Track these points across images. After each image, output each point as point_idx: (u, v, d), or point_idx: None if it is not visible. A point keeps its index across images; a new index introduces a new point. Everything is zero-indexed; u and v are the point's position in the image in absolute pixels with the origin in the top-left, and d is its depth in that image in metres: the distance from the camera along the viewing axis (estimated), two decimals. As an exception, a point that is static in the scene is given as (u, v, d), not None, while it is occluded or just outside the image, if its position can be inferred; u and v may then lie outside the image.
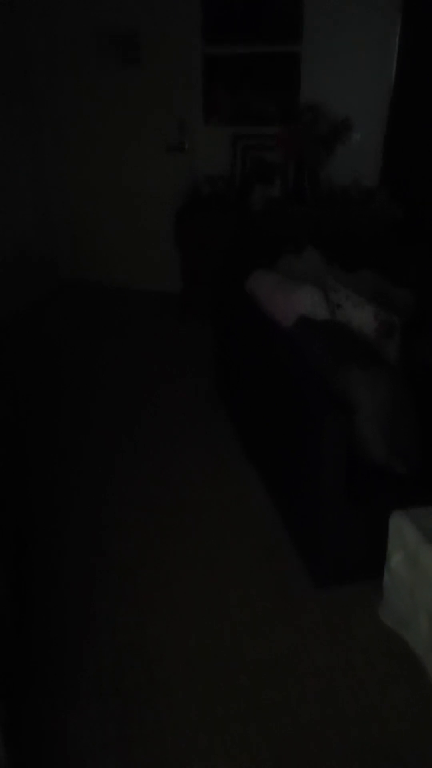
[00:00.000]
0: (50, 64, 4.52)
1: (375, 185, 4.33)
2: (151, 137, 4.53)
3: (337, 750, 1.66)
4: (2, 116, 4.20)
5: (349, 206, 4.11)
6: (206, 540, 2.41)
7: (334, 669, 1.88)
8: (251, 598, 2.14)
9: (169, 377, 3.66)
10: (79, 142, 4.71)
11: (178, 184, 4.57)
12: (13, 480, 2.52)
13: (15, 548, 2.19)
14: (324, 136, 4.06)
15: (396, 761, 1.63)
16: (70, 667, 1.90)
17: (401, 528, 1.85)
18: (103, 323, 4.45)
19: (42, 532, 2.47)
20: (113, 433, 3.12)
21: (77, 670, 1.89)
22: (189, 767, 1.62)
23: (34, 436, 3.11)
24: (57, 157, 4.78)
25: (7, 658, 1.74)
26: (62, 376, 3.72)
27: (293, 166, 4.19)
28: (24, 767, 1.63)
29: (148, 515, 2.54)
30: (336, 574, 2.13)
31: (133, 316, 4.56)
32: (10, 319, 4.35)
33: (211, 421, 3.18)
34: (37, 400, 3.45)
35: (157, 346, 4.06)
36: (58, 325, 4.46)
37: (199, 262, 4.18)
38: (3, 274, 4.26)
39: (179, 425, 3.17)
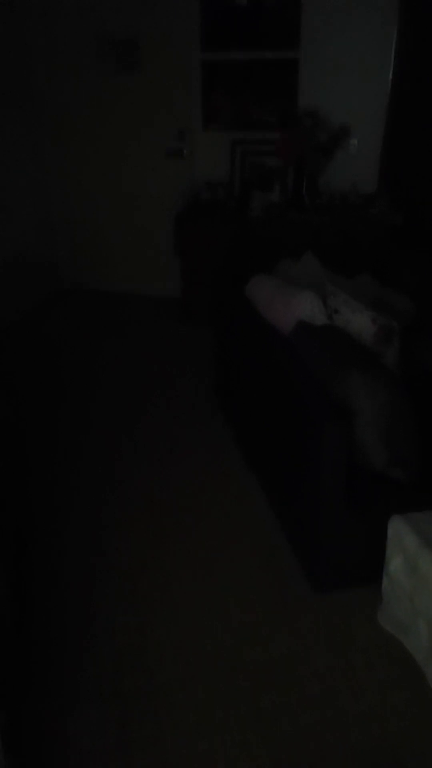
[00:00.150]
0: (50, 70, 4.54)
1: (374, 191, 4.36)
2: (150, 142, 4.55)
3: (336, 753, 1.67)
4: (3, 121, 4.21)
5: (348, 212, 4.13)
6: (206, 542, 2.41)
7: (334, 672, 1.89)
8: (251, 601, 2.15)
9: (169, 381, 3.67)
10: (79, 146, 4.73)
11: (177, 189, 4.60)
12: (13, 480, 2.52)
13: (15, 548, 2.19)
14: (323, 142, 4.09)
15: (395, 764, 1.64)
16: (70, 669, 1.91)
17: (400, 533, 1.86)
18: (103, 327, 4.46)
19: (42, 532, 2.48)
20: (113, 434, 3.13)
21: (77, 671, 1.90)
22: (189, 769, 1.63)
23: (34, 436, 3.12)
24: (57, 161, 4.80)
25: (7, 658, 1.74)
26: (63, 378, 3.73)
27: (292, 171, 4.21)
28: (24, 769, 1.64)
29: (148, 517, 2.55)
30: (335, 579, 2.14)
31: (133, 320, 4.57)
32: (10, 322, 4.36)
33: (211, 425, 3.20)
34: (38, 401, 3.46)
35: (157, 350, 4.08)
36: (58, 327, 4.47)
37: (199, 266, 4.20)
38: (3, 278, 4.27)
39: (179, 428, 3.18)
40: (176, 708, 1.79)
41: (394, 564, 1.90)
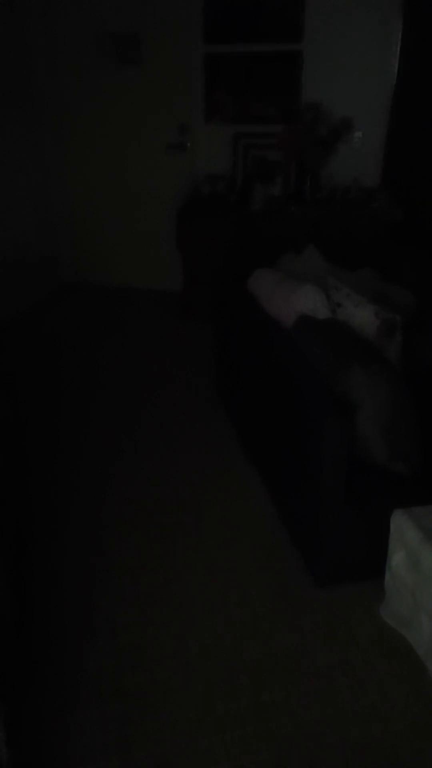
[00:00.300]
0: (51, 65, 4.52)
1: (375, 186, 4.33)
2: (151, 137, 4.53)
3: (337, 750, 1.65)
4: (3, 117, 4.20)
5: (350, 206, 4.11)
6: (206, 540, 2.40)
7: (335, 669, 1.88)
8: (251, 597, 2.14)
9: (169, 377, 3.66)
10: (79, 141, 4.72)
11: (178, 184, 4.58)
12: (13, 480, 2.51)
13: (15, 548, 2.18)
14: (325, 136, 4.06)
15: (396, 761, 1.63)
16: (70, 667, 1.90)
17: (402, 527, 1.85)
18: (104, 323, 4.45)
19: (42, 532, 2.47)
20: (113, 433, 3.12)
21: (77, 670, 1.89)
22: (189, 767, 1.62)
23: (34, 436, 3.11)
24: (57, 156, 4.78)
25: (7, 658, 1.73)
26: (62, 375, 3.72)
27: (294, 165, 4.19)
28: (25, 767, 1.63)
29: (148, 515, 2.54)
30: (336, 574, 2.13)
31: (133, 316, 4.56)
32: (10, 319, 4.35)
33: (211, 421, 3.18)
34: (38, 400, 3.45)
35: (158, 346, 4.06)
36: (58, 324, 4.46)
37: (200, 261, 4.18)
38: (3, 274, 4.26)
39: (179, 425, 3.17)
40: (176, 705, 1.78)
41: (397, 559, 1.89)
